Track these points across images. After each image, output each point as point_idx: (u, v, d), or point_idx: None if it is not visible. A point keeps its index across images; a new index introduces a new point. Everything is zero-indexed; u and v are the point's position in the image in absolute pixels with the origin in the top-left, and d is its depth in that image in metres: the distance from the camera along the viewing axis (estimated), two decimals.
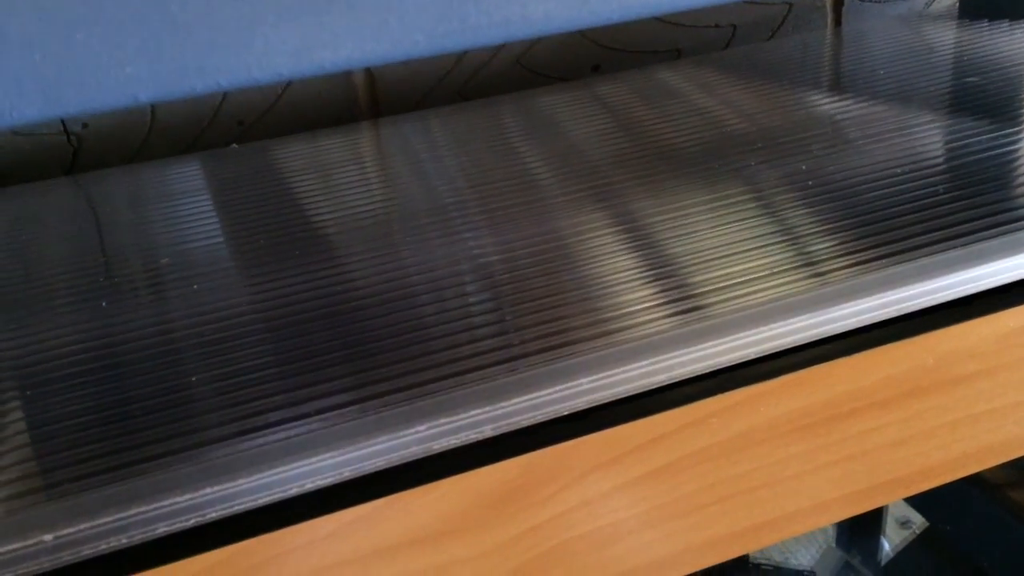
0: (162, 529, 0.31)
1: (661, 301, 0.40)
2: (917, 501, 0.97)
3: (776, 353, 0.38)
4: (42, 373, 0.39)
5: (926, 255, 0.41)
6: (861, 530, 1.08)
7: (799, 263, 0.42)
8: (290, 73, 0.25)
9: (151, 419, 0.35)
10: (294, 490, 0.32)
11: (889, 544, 1.08)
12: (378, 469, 0.33)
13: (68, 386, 0.38)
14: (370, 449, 0.33)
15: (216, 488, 0.31)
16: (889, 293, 0.39)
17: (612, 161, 0.56)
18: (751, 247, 0.44)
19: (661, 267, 0.43)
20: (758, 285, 0.40)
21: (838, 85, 0.67)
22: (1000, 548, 0.84)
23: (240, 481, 0.32)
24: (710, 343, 0.37)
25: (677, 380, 0.37)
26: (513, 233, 0.48)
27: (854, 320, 0.38)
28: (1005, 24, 0.73)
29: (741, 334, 0.37)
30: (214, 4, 0.23)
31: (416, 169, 0.58)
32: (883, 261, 0.41)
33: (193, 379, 0.38)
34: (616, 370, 0.36)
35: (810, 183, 0.50)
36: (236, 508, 0.32)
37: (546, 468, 0.35)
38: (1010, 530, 0.82)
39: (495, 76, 0.74)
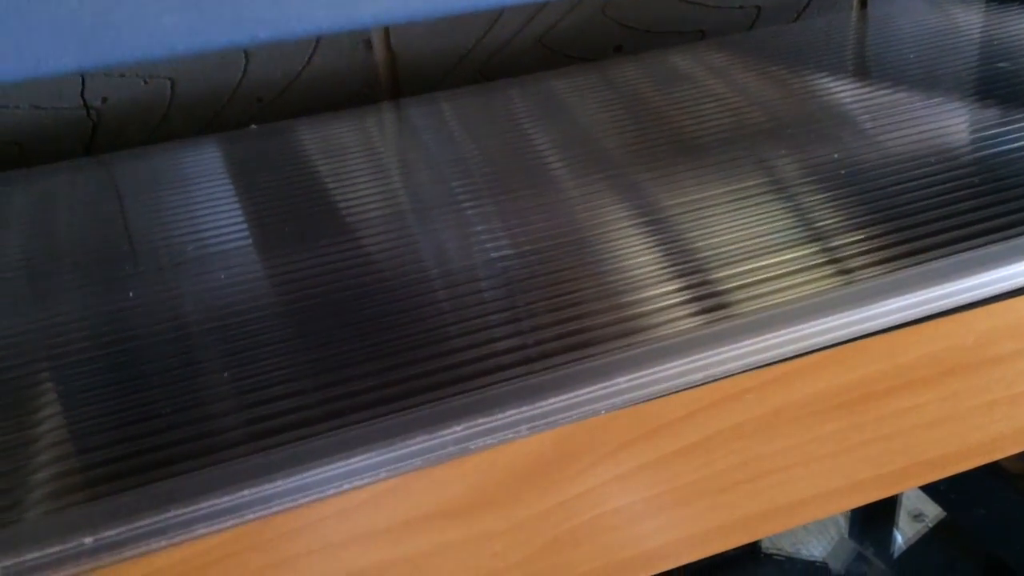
0: (201, 530, 0.30)
1: (693, 296, 0.39)
2: (934, 491, 0.96)
3: None
4: (71, 367, 0.38)
5: (961, 250, 0.39)
6: (874, 522, 1.08)
7: (831, 259, 0.41)
8: (329, 26, 0.24)
9: (184, 416, 0.34)
10: (331, 491, 0.31)
11: (902, 537, 1.07)
12: (416, 469, 0.32)
13: (99, 381, 0.37)
14: (408, 449, 0.32)
15: (255, 490, 0.31)
16: (923, 291, 0.37)
17: (635, 148, 0.55)
18: (788, 239, 0.43)
19: (693, 261, 0.42)
20: (793, 280, 0.39)
21: (864, 69, 0.66)
22: (1020, 537, 0.84)
23: (278, 483, 0.31)
24: (748, 341, 0.35)
25: (714, 379, 0.35)
26: (543, 223, 0.47)
27: (894, 317, 0.37)
28: None
29: (780, 331, 0.36)
30: None
31: (440, 154, 0.57)
32: (918, 256, 0.39)
33: (225, 375, 0.37)
34: (653, 369, 0.35)
35: (842, 172, 0.49)
36: (274, 509, 0.31)
37: (578, 442, 0.34)
38: None
39: (516, 56, 0.73)
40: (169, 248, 0.48)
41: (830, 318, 0.36)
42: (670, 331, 0.36)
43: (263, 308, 0.41)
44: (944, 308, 0.37)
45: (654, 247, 0.43)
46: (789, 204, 0.46)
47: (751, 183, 0.48)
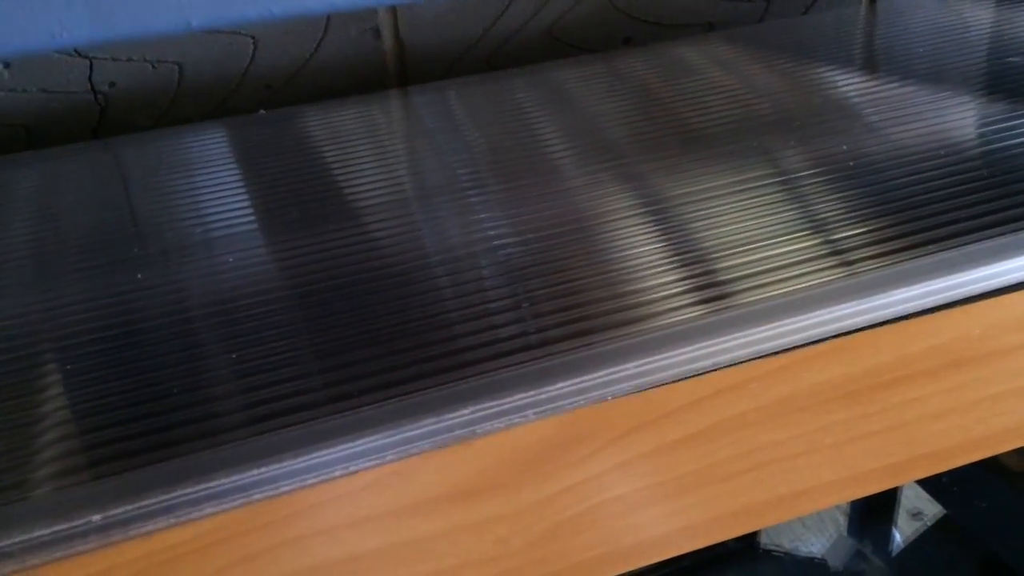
0: (208, 510, 0.30)
1: (699, 284, 0.39)
2: (934, 488, 0.96)
3: None
4: (78, 347, 0.38)
5: (969, 242, 0.39)
6: (873, 520, 1.08)
7: (839, 250, 0.41)
8: (342, 5, 0.24)
9: (190, 397, 0.34)
10: (338, 472, 0.31)
11: (900, 535, 1.07)
12: (422, 452, 0.32)
13: (104, 362, 0.37)
14: (415, 432, 0.32)
15: (262, 470, 0.31)
16: (930, 282, 0.37)
17: (640, 138, 0.55)
18: (793, 229, 0.43)
19: (697, 250, 0.42)
20: (799, 270, 0.39)
21: (873, 63, 0.66)
22: (1019, 537, 0.84)
23: (285, 464, 0.31)
24: (754, 329, 0.35)
25: (720, 367, 0.35)
26: (551, 211, 0.47)
27: (901, 308, 0.37)
28: None
29: (786, 320, 0.36)
30: None
31: (446, 142, 0.57)
32: (925, 248, 0.39)
33: (234, 356, 0.37)
34: (659, 355, 0.35)
35: (850, 163, 0.48)
36: (281, 490, 0.31)
37: (583, 428, 0.34)
38: None
39: (525, 46, 0.73)
40: (176, 231, 0.48)
41: (836, 307, 0.36)
42: (675, 319, 0.36)
43: (269, 292, 0.41)
44: (950, 300, 0.37)
45: (660, 235, 0.43)
46: (795, 194, 0.46)
47: (757, 173, 0.48)
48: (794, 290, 0.37)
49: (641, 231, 0.43)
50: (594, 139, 0.54)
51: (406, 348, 0.36)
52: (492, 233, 0.45)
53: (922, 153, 0.49)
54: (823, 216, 0.43)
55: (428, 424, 0.32)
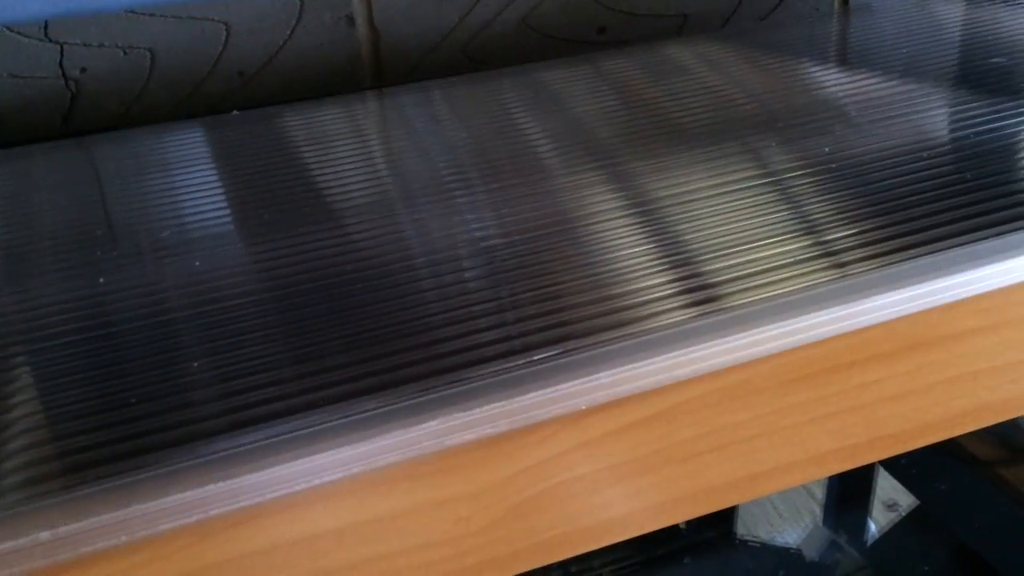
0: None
1: (672, 292, 0.38)
2: (909, 480, 0.97)
3: None
4: (37, 353, 0.37)
5: (939, 249, 0.39)
6: (848, 511, 1.09)
7: (811, 255, 0.40)
8: None
9: (149, 407, 0.34)
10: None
11: (876, 526, 1.08)
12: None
13: (63, 369, 0.36)
14: (380, 444, 0.32)
15: (220, 485, 0.30)
16: (902, 291, 0.37)
17: (618, 139, 0.55)
18: (762, 236, 0.42)
19: (672, 255, 0.41)
20: (771, 277, 0.39)
21: (845, 61, 0.66)
22: (990, 527, 0.85)
23: (246, 477, 0.30)
24: (724, 339, 0.35)
25: (695, 376, 0.35)
26: (525, 213, 0.46)
27: (858, 321, 0.37)
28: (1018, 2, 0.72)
29: (756, 330, 0.36)
30: None
31: (423, 143, 0.57)
32: (897, 255, 0.39)
33: (195, 364, 0.36)
34: (632, 365, 0.35)
35: (819, 167, 0.48)
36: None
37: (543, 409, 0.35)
38: (1000, 508, 0.82)
39: (499, 36, 0.73)
40: (146, 232, 0.47)
41: (794, 320, 0.36)
42: (645, 326, 0.36)
43: (237, 296, 0.40)
44: (908, 311, 0.38)
45: (634, 240, 0.43)
46: (755, 198, 0.46)
47: (726, 176, 0.48)
48: (757, 300, 0.37)
49: (611, 236, 0.44)
50: (571, 139, 0.54)
51: (374, 356, 0.35)
52: (464, 237, 0.44)
53: (887, 158, 0.49)
54: (783, 223, 0.43)
55: (393, 435, 0.32)
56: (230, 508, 0.30)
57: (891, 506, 1.16)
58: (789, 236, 0.41)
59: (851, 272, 0.38)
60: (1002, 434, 0.86)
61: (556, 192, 0.48)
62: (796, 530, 1.31)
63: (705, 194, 0.46)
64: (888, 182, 0.45)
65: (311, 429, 0.31)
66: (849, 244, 0.40)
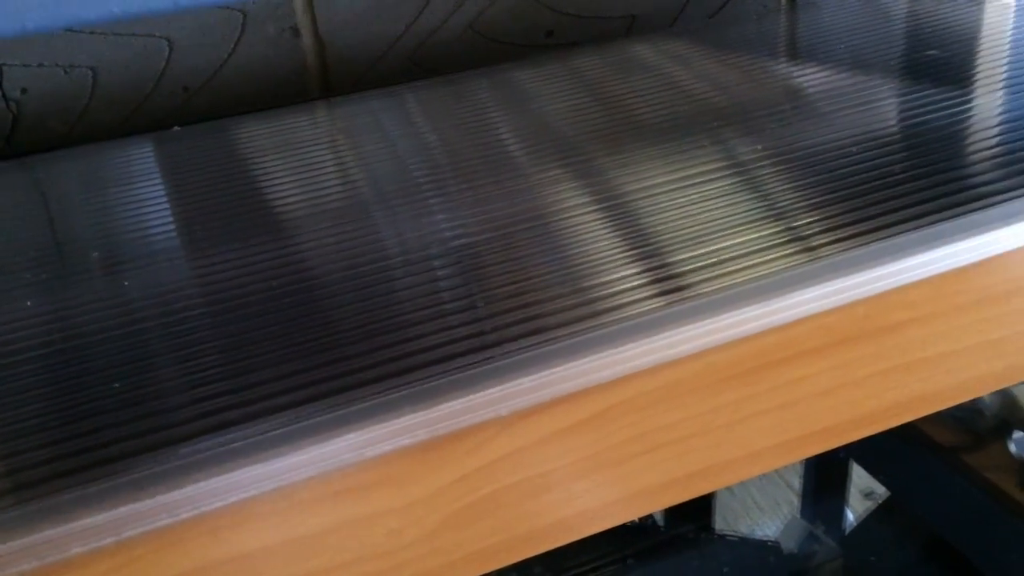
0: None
1: (614, 290, 0.38)
2: (878, 471, 0.98)
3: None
4: None
5: (864, 243, 0.39)
6: (825, 501, 1.09)
7: (734, 254, 0.40)
8: None
9: (67, 430, 0.33)
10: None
11: (853, 515, 1.09)
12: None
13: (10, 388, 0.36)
14: (296, 459, 0.32)
15: (135, 505, 0.30)
16: (822, 286, 0.38)
17: (573, 138, 0.55)
18: (689, 235, 0.42)
19: (612, 249, 0.41)
20: (696, 277, 0.39)
21: (794, 56, 0.67)
22: (955, 513, 0.85)
23: (160, 497, 0.30)
24: (649, 339, 0.36)
25: (622, 377, 0.36)
26: (467, 212, 0.46)
27: (785, 315, 0.37)
28: None
29: (681, 329, 0.36)
30: None
31: (372, 150, 0.57)
32: (823, 249, 0.39)
33: (115, 385, 0.35)
34: (556, 369, 0.35)
35: (764, 159, 0.49)
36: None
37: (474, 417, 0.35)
38: (964, 494, 0.83)
39: (447, 42, 0.73)
40: (78, 253, 0.46)
41: (722, 316, 0.36)
42: (571, 329, 0.36)
43: (160, 315, 0.40)
44: (840, 303, 0.38)
45: (565, 242, 0.43)
46: (684, 197, 0.46)
47: (660, 174, 0.49)
48: (680, 300, 0.37)
49: (542, 241, 0.44)
50: (528, 145, 0.54)
51: (296, 371, 0.35)
52: (394, 250, 0.44)
53: (816, 153, 0.49)
54: (718, 219, 0.43)
55: (308, 451, 0.32)
56: (147, 529, 0.30)
57: (868, 494, 1.17)
58: (715, 235, 0.41)
59: (775, 269, 0.38)
60: (963, 419, 0.87)
61: (485, 200, 0.48)
62: (775, 522, 1.31)
63: (638, 193, 0.46)
64: (815, 178, 0.46)
65: (230, 446, 0.31)
66: (775, 241, 0.40)
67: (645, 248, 0.41)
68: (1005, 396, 0.87)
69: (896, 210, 0.42)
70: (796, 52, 0.67)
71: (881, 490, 1.09)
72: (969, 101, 0.53)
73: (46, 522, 0.29)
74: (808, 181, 0.45)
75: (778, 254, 0.39)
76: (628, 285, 0.38)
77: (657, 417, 0.38)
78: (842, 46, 0.65)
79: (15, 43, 0.62)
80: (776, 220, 0.42)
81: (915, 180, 0.44)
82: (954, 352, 0.42)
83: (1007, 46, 0.62)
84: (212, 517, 0.32)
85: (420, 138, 0.56)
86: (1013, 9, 0.69)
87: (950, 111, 0.52)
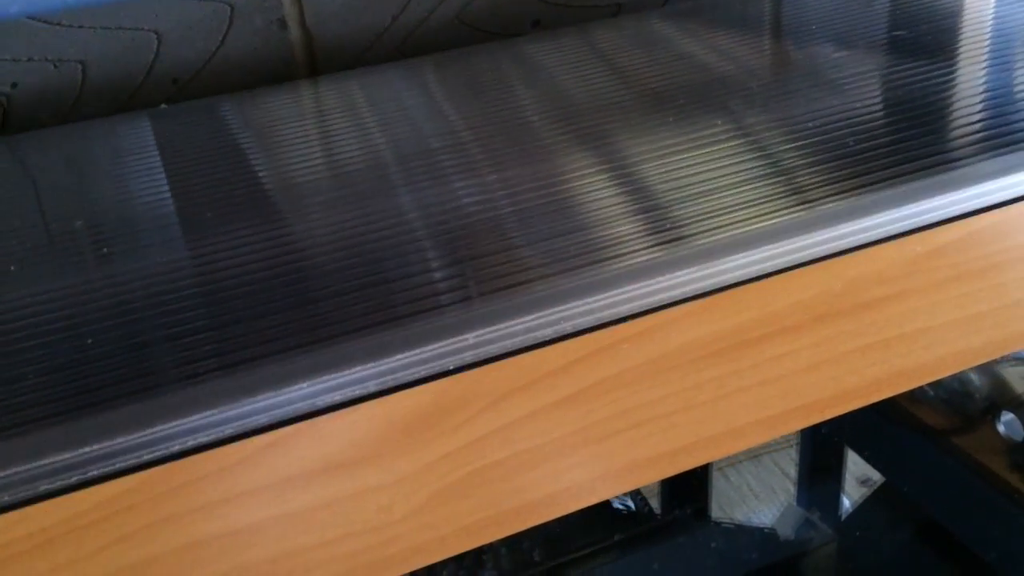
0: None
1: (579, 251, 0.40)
2: (872, 457, 0.98)
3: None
4: None
5: (831, 201, 0.41)
6: (821, 488, 1.10)
7: (705, 212, 0.42)
8: None
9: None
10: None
11: (849, 501, 1.10)
12: (306, 412, 0.33)
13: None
14: (293, 394, 0.33)
15: (128, 437, 0.31)
16: (790, 241, 0.39)
17: (553, 115, 0.56)
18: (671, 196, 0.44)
19: (579, 214, 0.43)
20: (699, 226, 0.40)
21: (776, 35, 0.67)
22: (947, 495, 0.86)
23: (168, 424, 0.32)
24: (620, 289, 0.37)
25: (586, 328, 0.36)
26: (442, 188, 0.48)
27: (764, 266, 0.38)
28: None
29: (652, 280, 0.37)
30: None
31: (358, 126, 0.58)
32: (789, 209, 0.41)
33: (89, 342, 0.37)
34: (530, 316, 0.36)
35: (728, 134, 0.50)
36: (148, 458, 0.32)
37: (458, 394, 0.35)
38: (955, 476, 0.84)
39: (434, 33, 0.74)
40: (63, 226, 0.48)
41: (699, 267, 0.37)
42: (542, 280, 0.37)
43: (167, 276, 0.41)
44: (813, 256, 0.39)
45: (544, 200, 0.44)
46: (672, 163, 0.47)
47: (641, 147, 0.49)
48: (659, 252, 0.38)
49: (515, 203, 0.45)
50: (512, 123, 0.55)
51: (279, 323, 0.37)
52: (370, 219, 0.45)
53: (798, 119, 0.50)
54: (689, 178, 0.45)
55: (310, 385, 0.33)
56: (140, 500, 0.31)
57: (864, 481, 1.18)
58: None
59: (756, 239, 0.39)
60: (953, 402, 0.88)
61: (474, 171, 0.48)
62: (771, 509, 1.32)
63: (618, 162, 0.47)
64: (785, 149, 0.47)
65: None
66: (751, 200, 0.41)
67: (633, 208, 0.42)
68: (994, 377, 0.88)
69: (868, 172, 0.42)
70: (780, 32, 0.68)
71: (877, 477, 1.10)
72: (946, 75, 0.54)
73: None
74: (778, 154, 0.46)
75: (748, 213, 0.40)
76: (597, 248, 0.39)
77: (641, 393, 0.38)
78: (824, 26, 0.66)
79: (3, 38, 0.63)
80: (749, 184, 0.43)
81: (888, 146, 0.45)
82: (932, 328, 0.43)
83: (987, 24, 0.62)
84: (205, 491, 0.32)
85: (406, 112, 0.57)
86: None
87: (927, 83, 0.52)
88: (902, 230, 0.40)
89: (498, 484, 0.37)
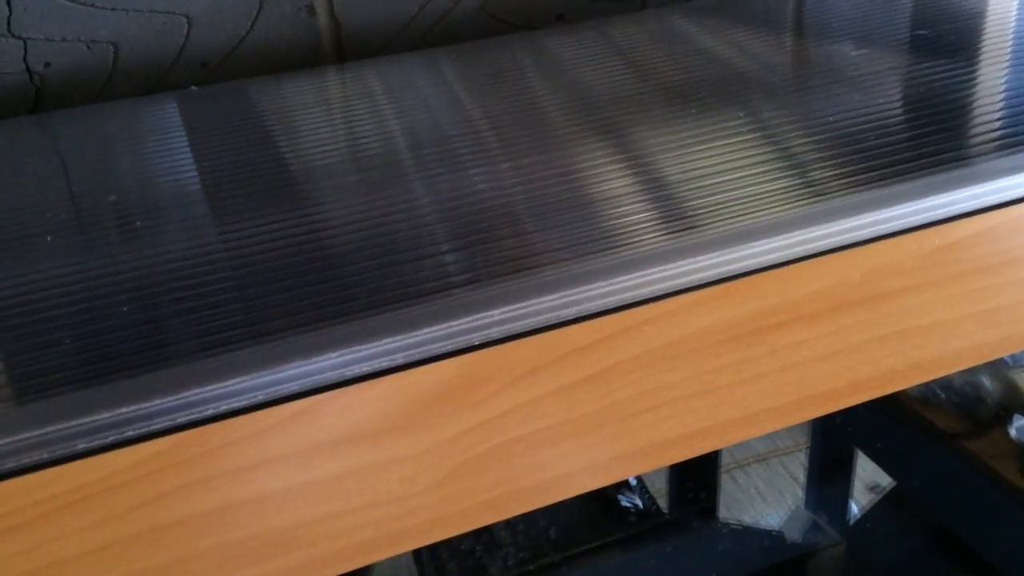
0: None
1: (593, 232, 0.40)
2: (883, 459, 0.98)
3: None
4: None
5: (850, 192, 0.41)
6: (830, 493, 1.10)
7: (725, 200, 0.42)
8: None
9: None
10: (246, 402, 0.33)
11: (857, 507, 1.10)
12: (335, 382, 0.34)
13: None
14: (323, 363, 0.34)
15: (163, 400, 0.32)
16: (809, 230, 0.39)
17: (568, 108, 0.57)
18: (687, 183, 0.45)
19: (596, 197, 0.44)
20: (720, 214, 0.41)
21: (798, 32, 0.68)
22: (958, 499, 0.86)
23: (202, 388, 0.33)
24: (642, 272, 0.38)
25: (610, 308, 0.37)
26: (485, 169, 0.48)
27: (782, 254, 0.39)
28: None
29: (676, 263, 0.38)
30: None
31: (380, 113, 0.59)
32: (811, 198, 0.41)
33: (162, 313, 0.38)
34: (555, 295, 0.37)
35: (752, 127, 0.50)
36: (182, 420, 0.33)
37: (482, 370, 0.36)
38: (966, 480, 0.84)
39: (459, 23, 0.75)
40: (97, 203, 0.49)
41: (720, 253, 0.38)
42: (570, 262, 0.38)
43: (199, 255, 0.42)
44: (830, 247, 0.39)
45: (564, 186, 0.45)
46: (689, 151, 0.48)
47: (658, 138, 0.50)
48: (682, 237, 0.39)
49: (539, 188, 0.45)
50: (533, 113, 0.56)
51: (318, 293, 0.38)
52: (402, 201, 0.46)
53: (820, 113, 0.51)
54: (713, 167, 0.45)
55: (338, 356, 0.34)
56: (174, 461, 0.32)
57: (873, 488, 1.18)
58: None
59: (777, 227, 0.40)
60: (965, 406, 0.88)
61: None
62: (779, 513, 1.32)
63: (643, 152, 0.47)
64: (807, 142, 0.47)
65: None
66: (771, 191, 0.42)
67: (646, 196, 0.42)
68: (1006, 382, 0.88)
69: (889, 166, 0.43)
70: (802, 30, 0.68)
71: (885, 482, 1.10)
72: (968, 75, 0.54)
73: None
74: (796, 147, 0.47)
75: (770, 202, 0.41)
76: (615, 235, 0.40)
77: (660, 375, 0.39)
78: (847, 24, 0.66)
79: (38, 17, 0.64)
80: (771, 175, 0.44)
81: (908, 141, 0.45)
82: (949, 321, 0.43)
83: (1009, 24, 0.63)
84: (236, 456, 0.33)
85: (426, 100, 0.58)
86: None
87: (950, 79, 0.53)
88: (921, 223, 0.40)
89: (519, 459, 0.38)
